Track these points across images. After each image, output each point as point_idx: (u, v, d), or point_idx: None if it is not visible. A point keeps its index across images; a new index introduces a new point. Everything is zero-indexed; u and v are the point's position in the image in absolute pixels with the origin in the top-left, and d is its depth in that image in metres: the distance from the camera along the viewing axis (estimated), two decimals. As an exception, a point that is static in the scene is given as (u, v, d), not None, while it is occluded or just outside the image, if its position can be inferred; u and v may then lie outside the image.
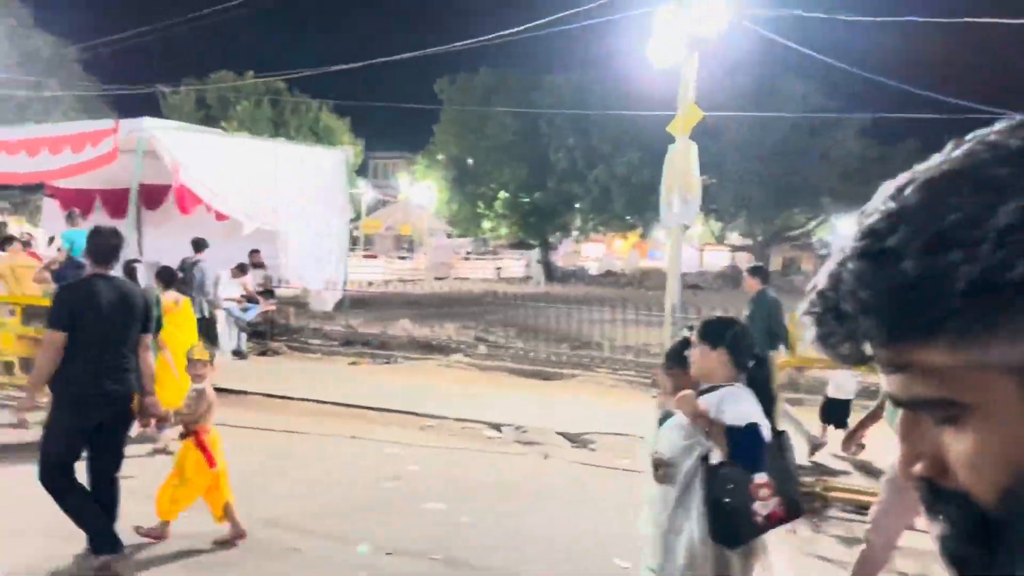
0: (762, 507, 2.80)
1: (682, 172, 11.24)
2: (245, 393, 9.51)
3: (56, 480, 4.23)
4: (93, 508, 4.30)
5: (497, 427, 8.18)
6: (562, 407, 9.26)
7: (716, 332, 3.05)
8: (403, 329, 13.91)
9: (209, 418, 4.88)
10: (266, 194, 11.76)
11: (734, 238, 41.81)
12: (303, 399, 9.25)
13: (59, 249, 10.48)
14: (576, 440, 7.76)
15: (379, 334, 13.45)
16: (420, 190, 41.29)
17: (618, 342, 12.60)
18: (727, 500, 2.81)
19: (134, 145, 10.26)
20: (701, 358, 3.04)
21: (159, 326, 7.08)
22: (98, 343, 4.24)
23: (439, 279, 33.90)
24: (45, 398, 4.60)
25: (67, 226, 10.09)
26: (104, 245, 4.45)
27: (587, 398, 9.85)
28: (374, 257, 36.90)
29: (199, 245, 11.12)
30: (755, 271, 8.68)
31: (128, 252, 11.32)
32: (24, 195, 16.08)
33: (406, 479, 6.36)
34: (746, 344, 3.08)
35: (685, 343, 3.28)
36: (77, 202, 14.60)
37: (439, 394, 9.66)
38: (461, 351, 12.38)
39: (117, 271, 4.86)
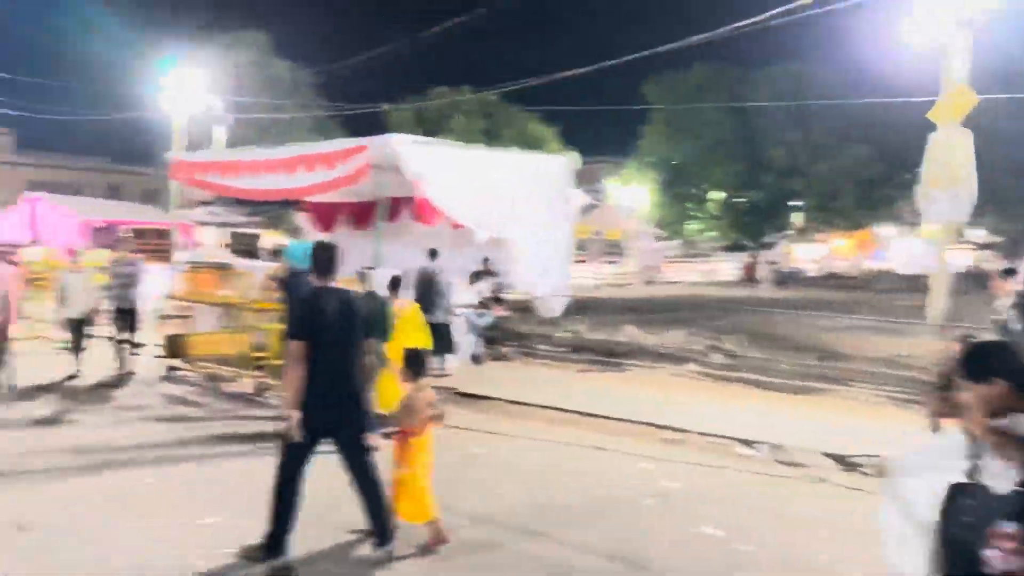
0: (997, 559, 2.35)
1: (947, 164, 10.09)
2: (486, 398, 9.68)
3: (284, 470, 4.60)
4: (290, 513, 4.59)
5: (749, 444, 7.68)
6: (817, 424, 8.57)
7: (984, 364, 2.59)
8: (629, 335, 13.65)
9: (412, 420, 4.92)
10: (498, 203, 11.92)
11: (978, 235, 37.66)
12: (541, 406, 9.23)
13: (282, 261, 11.22)
14: (845, 462, 7.09)
15: (606, 340, 13.27)
16: (628, 193, 40.91)
17: (869, 352, 11.55)
18: (955, 531, 2.47)
19: (379, 160, 10.74)
20: (980, 400, 2.56)
21: (389, 332, 7.48)
22: (328, 349, 4.56)
23: (649, 283, 33.37)
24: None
25: (291, 240, 10.76)
26: (324, 258, 4.80)
27: (844, 415, 9.05)
28: (583, 262, 36.97)
29: (433, 254, 11.50)
30: (1009, 273, 7.69)
31: (368, 261, 11.94)
32: (279, 209, 17.63)
33: (668, 497, 6.07)
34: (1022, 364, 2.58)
35: (965, 359, 2.77)
36: (325, 215, 15.74)
37: (677, 405, 9.30)
38: (694, 360, 11.90)
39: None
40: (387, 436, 5.11)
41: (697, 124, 35.30)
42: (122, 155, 60.11)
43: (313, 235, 15.95)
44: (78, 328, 10.08)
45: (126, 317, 10.19)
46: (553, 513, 5.69)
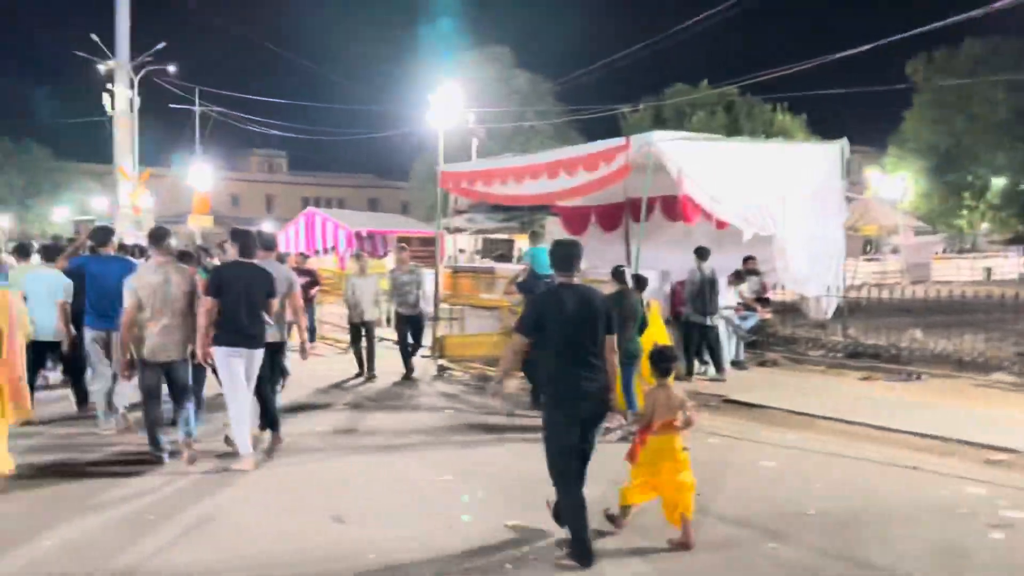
0: None
1: None
2: (761, 407, 9.07)
3: (556, 468, 4.72)
4: (578, 513, 4.62)
5: (1098, 469, 6.47)
6: None
7: None
8: (914, 339, 12.27)
9: (653, 418, 4.90)
10: (763, 197, 11.24)
11: None
12: (828, 417, 8.47)
13: (522, 264, 11.27)
14: None
15: (888, 346, 12.02)
16: (888, 184, 37.43)
17: None
18: None
19: (639, 159, 10.49)
20: None
21: (643, 327, 7.60)
22: (566, 345, 4.63)
23: (917, 282, 30.21)
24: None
25: (531, 243, 10.79)
26: (564, 255, 4.86)
27: None
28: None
29: (703, 254, 10.99)
30: None
31: (617, 263, 11.67)
32: (531, 214, 18.02)
33: (1017, 529, 5.20)
34: None
35: None
36: (576, 219, 15.82)
37: (992, 421, 8.11)
38: (1002, 368, 10.42)
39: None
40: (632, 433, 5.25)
41: (972, 103, 31.47)
42: (380, 171, 65.56)
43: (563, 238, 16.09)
44: (364, 332, 10.73)
45: (409, 321, 10.71)
46: (872, 543, 5.07)
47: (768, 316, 12.31)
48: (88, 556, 4.70)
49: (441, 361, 11.32)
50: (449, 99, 18.91)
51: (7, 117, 77.00)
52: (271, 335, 6.92)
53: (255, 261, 6.74)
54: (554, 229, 16.05)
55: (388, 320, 11.23)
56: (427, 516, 5.45)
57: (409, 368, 10.82)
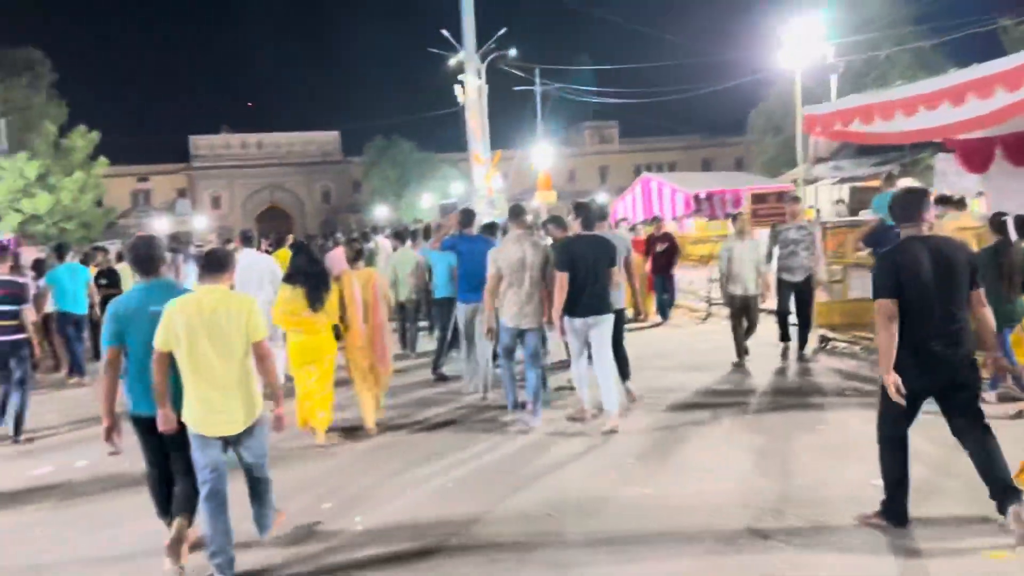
0: None
1: None
2: None
3: (883, 432, 4.50)
4: (898, 479, 4.42)
5: None
6: None
7: None
8: None
9: None
10: None
11: None
12: None
13: (872, 215, 9.62)
14: None
15: None
16: None
17: None
18: None
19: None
20: None
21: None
22: (922, 306, 4.23)
23: None
24: None
25: (884, 188, 9.11)
26: (905, 203, 4.50)
27: None
28: None
29: None
30: None
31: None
32: (913, 154, 15.39)
33: None
34: None
35: None
36: (977, 154, 13.19)
37: None
38: None
39: None
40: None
41: None
42: (709, 130, 63.42)
43: (960, 178, 13.66)
44: (743, 307, 9.21)
45: (793, 288, 9.20)
46: None
47: None
48: (469, 497, 5.24)
49: (822, 331, 9.95)
50: (806, 34, 16.85)
51: (378, 117, 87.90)
52: (615, 301, 7.14)
53: (595, 232, 7.01)
54: (947, 168, 13.51)
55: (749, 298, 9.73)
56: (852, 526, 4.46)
57: (786, 339, 9.54)
